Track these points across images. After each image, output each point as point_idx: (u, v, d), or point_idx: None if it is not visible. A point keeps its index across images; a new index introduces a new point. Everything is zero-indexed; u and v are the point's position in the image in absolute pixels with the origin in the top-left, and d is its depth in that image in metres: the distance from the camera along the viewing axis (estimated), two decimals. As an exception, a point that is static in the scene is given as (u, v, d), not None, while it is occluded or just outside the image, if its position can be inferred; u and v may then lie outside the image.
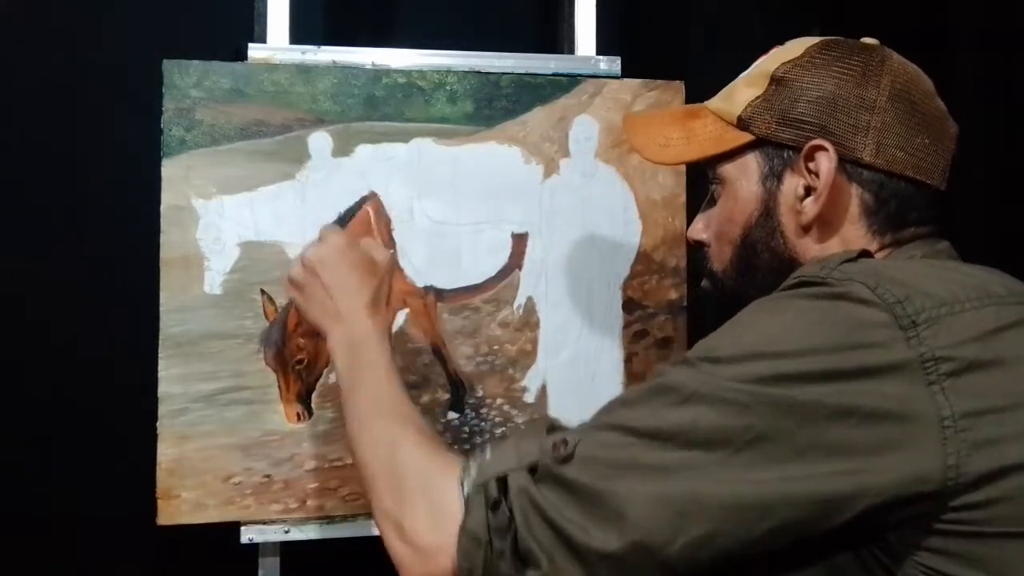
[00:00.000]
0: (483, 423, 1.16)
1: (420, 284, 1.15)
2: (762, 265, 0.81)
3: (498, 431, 1.16)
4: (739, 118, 0.81)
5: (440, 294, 1.15)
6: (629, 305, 1.19)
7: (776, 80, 0.80)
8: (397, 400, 0.81)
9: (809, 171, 0.78)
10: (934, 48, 1.45)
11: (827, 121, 0.77)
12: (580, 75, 1.18)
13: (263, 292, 1.10)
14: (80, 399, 1.20)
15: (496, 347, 1.16)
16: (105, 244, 1.20)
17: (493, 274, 1.16)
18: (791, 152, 0.79)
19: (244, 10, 1.18)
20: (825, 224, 0.78)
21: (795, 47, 0.82)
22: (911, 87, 0.79)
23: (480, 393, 1.16)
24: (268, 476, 1.10)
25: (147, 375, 1.07)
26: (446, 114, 1.15)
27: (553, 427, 0.75)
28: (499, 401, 1.16)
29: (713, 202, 0.86)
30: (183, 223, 1.08)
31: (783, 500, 0.61)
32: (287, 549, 1.14)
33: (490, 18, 1.35)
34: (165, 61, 1.08)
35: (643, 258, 1.20)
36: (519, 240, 1.17)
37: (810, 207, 0.78)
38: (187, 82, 1.08)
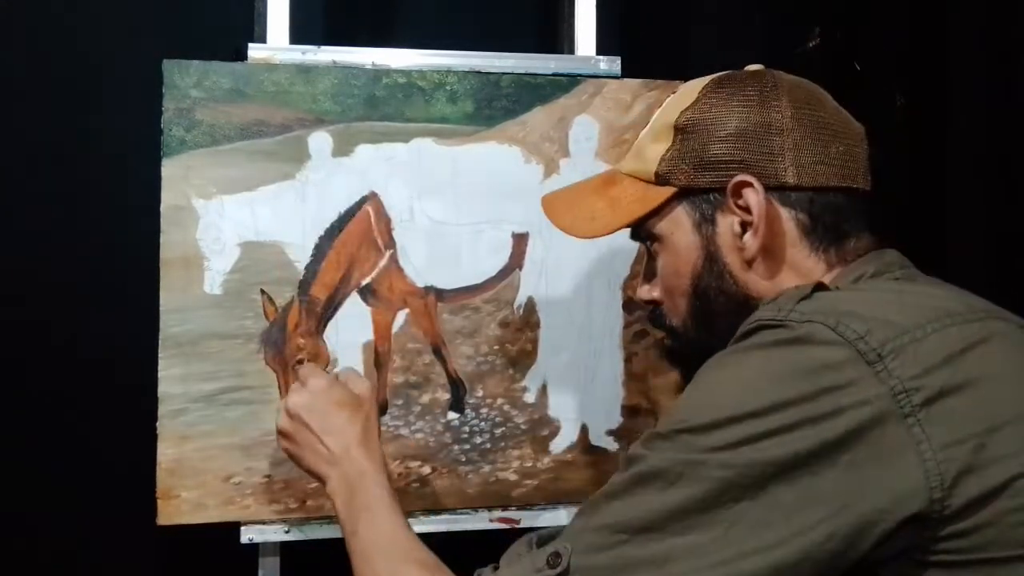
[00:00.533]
0: (483, 423, 1.16)
1: (420, 284, 1.15)
2: (719, 309, 0.81)
3: (498, 431, 1.16)
4: (656, 174, 0.82)
5: (440, 294, 1.15)
6: (629, 305, 1.19)
7: (680, 129, 0.81)
8: (399, 537, 0.83)
9: (740, 208, 0.78)
10: (934, 47, 1.45)
11: (742, 155, 0.78)
12: (580, 75, 1.18)
13: (263, 292, 1.10)
14: (80, 399, 1.20)
15: (496, 347, 1.16)
16: (105, 244, 1.20)
17: (493, 274, 1.16)
18: (716, 194, 0.79)
19: (244, 10, 1.18)
20: (769, 254, 0.78)
21: (688, 92, 0.83)
22: (810, 100, 0.80)
23: (480, 393, 1.16)
24: (268, 476, 1.10)
25: (147, 375, 1.07)
26: (446, 114, 1.15)
27: (540, 539, 0.76)
28: (499, 401, 1.16)
29: (653, 260, 0.86)
30: (183, 223, 1.08)
31: (789, 560, 0.61)
32: (287, 549, 1.14)
33: (490, 18, 1.35)
34: (165, 61, 1.08)
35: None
36: (519, 240, 1.17)
37: (751, 242, 0.78)
38: (187, 82, 1.08)
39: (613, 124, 1.18)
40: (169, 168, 1.08)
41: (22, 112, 1.19)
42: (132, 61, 1.18)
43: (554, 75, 1.18)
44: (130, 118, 1.17)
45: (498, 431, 1.16)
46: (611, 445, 1.18)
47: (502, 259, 1.16)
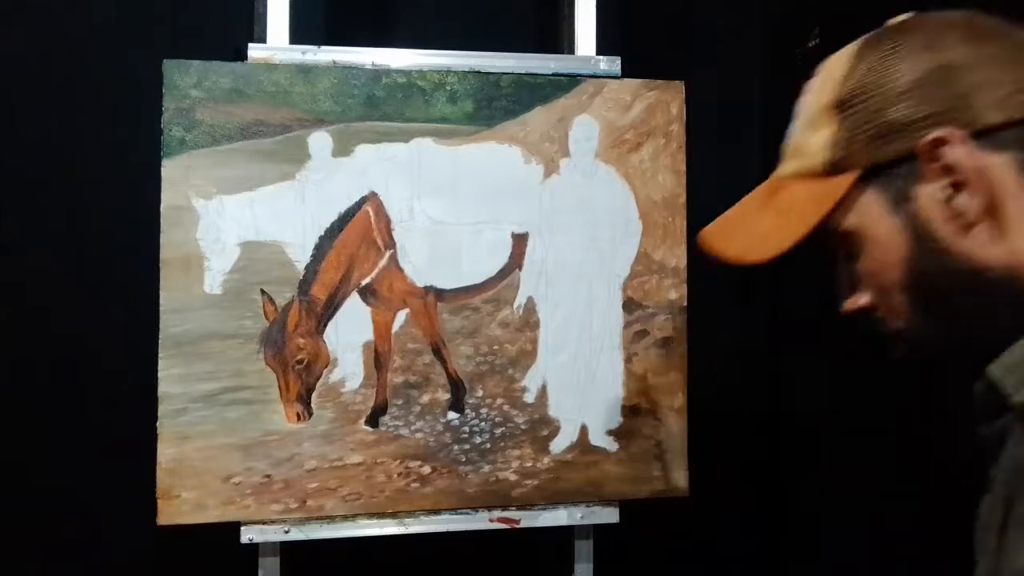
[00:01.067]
0: (483, 423, 1.16)
1: (420, 284, 1.15)
2: (950, 293, 0.69)
3: (498, 431, 1.16)
4: (828, 163, 0.72)
5: (440, 294, 1.15)
6: (629, 305, 1.19)
7: (843, 105, 0.72)
8: None
9: (942, 170, 0.67)
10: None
11: (929, 108, 0.68)
12: (580, 75, 1.18)
13: (263, 292, 1.10)
14: (80, 399, 1.20)
15: (496, 347, 1.16)
16: (105, 244, 1.20)
17: (493, 274, 1.16)
18: (906, 163, 0.69)
19: (244, 10, 1.18)
20: (992, 213, 0.67)
21: (836, 66, 0.74)
22: (975, 25, 0.70)
23: (480, 393, 1.16)
24: (268, 476, 1.10)
25: (147, 375, 1.07)
26: (446, 114, 1.15)
27: None
28: (499, 401, 1.16)
29: (850, 259, 0.76)
30: (183, 223, 1.08)
31: None
32: (287, 549, 1.14)
33: (490, 18, 1.35)
34: (165, 61, 1.08)
35: (643, 258, 1.20)
36: (519, 240, 1.17)
37: (969, 204, 0.67)
38: (187, 82, 1.08)
39: (613, 124, 1.18)
40: (169, 168, 1.08)
41: (22, 112, 1.19)
42: (132, 61, 1.18)
43: (554, 75, 1.18)
44: (130, 118, 1.17)
45: (498, 431, 1.16)
46: (611, 445, 1.18)
47: (502, 259, 1.16)
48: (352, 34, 1.28)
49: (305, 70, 1.11)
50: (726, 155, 1.37)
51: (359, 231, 1.13)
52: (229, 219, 1.09)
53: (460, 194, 1.15)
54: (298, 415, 1.10)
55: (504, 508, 1.16)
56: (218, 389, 1.08)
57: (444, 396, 1.15)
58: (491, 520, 1.16)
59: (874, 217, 0.71)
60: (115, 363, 1.19)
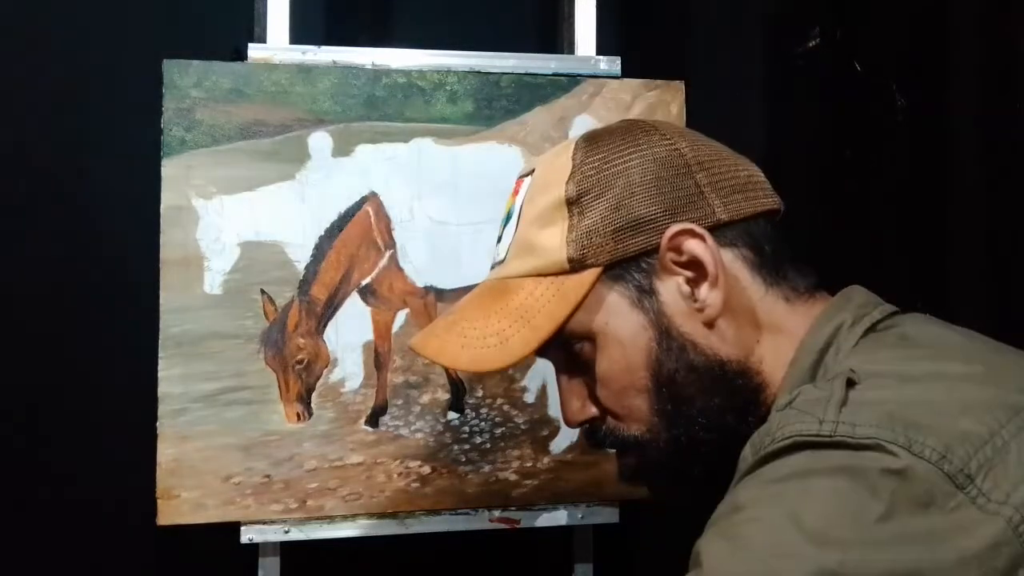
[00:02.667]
0: (483, 423, 1.16)
1: (420, 284, 1.15)
2: (693, 392, 0.68)
3: (498, 431, 1.16)
4: (568, 260, 0.69)
5: (440, 294, 1.15)
6: (629, 305, 1.19)
7: (574, 202, 0.69)
8: None
9: (681, 264, 0.67)
10: (934, 48, 1.45)
11: (665, 203, 0.67)
12: (580, 75, 1.18)
13: (263, 292, 1.10)
14: (80, 399, 1.20)
15: (496, 347, 1.16)
16: (105, 244, 1.20)
17: (493, 274, 1.16)
18: (647, 258, 0.68)
19: (244, 10, 1.18)
20: (730, 306, 0.68)
21: (557, 163, 0.71)
22: (691, 130, 0.74)
23: (480, 393, 1.16)
24: (268, 476, 1.10)
25: (147, 375, 1.07)
26: (446, 114, 1.15)
27: None
28: (499, 401, 1.16)
29: (579, 368, 0.73)
30: (183, 223, 1.08)
31: None
32: (287, 549, 1.14)
33: (490, 18, 1.35)
34: (165, 61, 1.08)
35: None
36: (519, 240, 1.16)
37: (710, 297, 0.67)
38: (187, 82, 1.08)
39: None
40: (169, 168, 1.08)
41: (22, 112, 1.19)
42: (132, 61, 1.18)
43: (554, 75, 1.18)
44: (130, 118, 1.17)
45: (498, 431, 1.16)
46: (611, 445, 1.18)
47: (502, 259, 1.16)
48: (352, 34, 1.28)
49: (305, 70, 1.11)
50: (726, 155, 1.36)
51: (359, 231, 1.13)
52: (229, 219, 1.09)
53: (460, 194, 1.15)
54: (298, 415, 1.10)
55: (504, 508, 1.16)
56: (218, 389, 1.08)
57: (444, 396, 1.15)
58: (491, 520, 1.16)
59: (617, 315, 0.69)
60: (115, 363, 1.19)
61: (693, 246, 0.67)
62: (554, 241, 0.70)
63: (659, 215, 0.68)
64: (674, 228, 0.67)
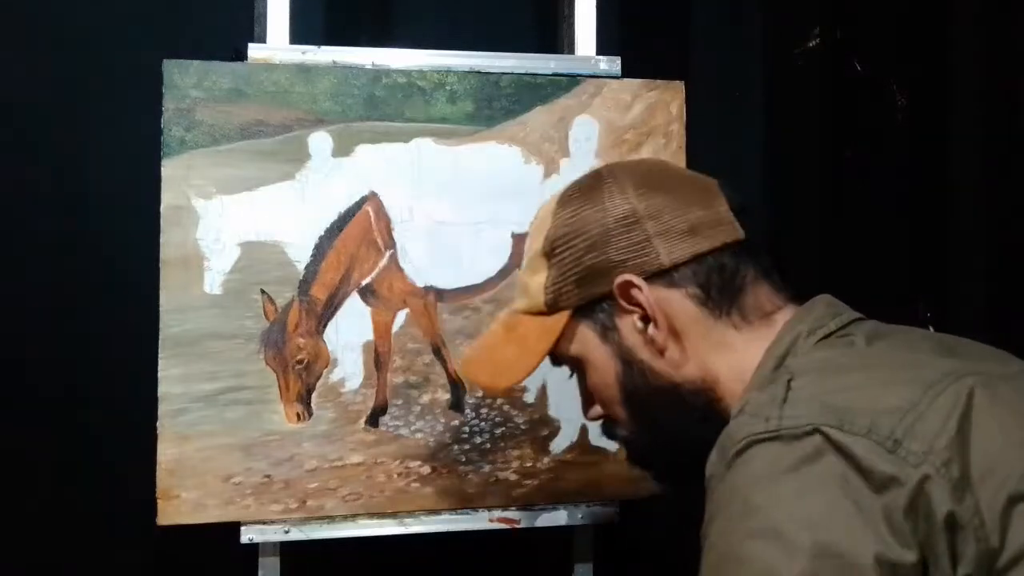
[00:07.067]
0: (483, 423, 1.16)
1: (420, 284, 1.15)
2: (657, 407, 0.81)
3: (498, 431, 1.16)
4: (546, 304, 0.83)
5: (440, 294, 1.15)
6: (629, 305, 1.19)
7: (548, 255, 0.82)
8: None
9: (633, 305, 0.79)
10: (934, 48, 1.45)
11: (613, 257, 0.79)
12: (580, 75, 1.18)
13: (263, 292, 1.10)
14: (80, 399, 1.20)
15: (496, 347, 1.16)
16: (105, 244, 1.20)
17: (493, 274, 1.16)
18: (607, 301, 0.80)
19: (244, 10, 1.18)
20: (678, 338, 0.79)
21: (544, 217, 0.84)
22: (652, 179, 0.81)
23: (480, 393, 1.16)
24: (268, 476, 1.10)
25: (147, 375, 1.07)
26: (446, 114, 1.15)
27: None
28: (499, 401, 1.16)
29: (583, 378, 0.87)
30: (183, 223, 1.08)
31: None
32: (287, 549, 1.14)
33: (490, 18, 1.35)
34: (165, 61, 1.08)
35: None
36: (519, 240, 1.16)
37: (656, 334, 0.79)
38: (187, 82, 1.08)
39: (613, 124, 1.18)
40: (169, 168, 1.08)
41: (22, 112, 1.19)
42: (132, 61, 1.18)
43: (554, 75, 1.18)
44: (130, 118, 1.17)
45: (498, 431, 1.16)
46: (611, 445, 1.18)
47: (502, 259, 1.16)
48: (352, 34, 1.28)
49: (305, 70, 1.11)
50: (726, 155, 1.37)
51: (359, 231, 1.13)
52: (229, 219, 1.09)
53: (460, 194, 1.15)
54: (298, 415, 1.10)
55: (504, 508, 1.16)
56: (218, 389, 1.08)
57: (444, 396, 1.15)
58: (491, 520, 1.16)
59: (590, 346, 0.83)
60: (115, 363, 1.19)
61: (635, 294, 0.79)
62: (538, 287, 0.84)
63: (609, 267, 0.79)
64: (619, 279, 0.79)
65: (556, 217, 0.82)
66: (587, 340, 0.83)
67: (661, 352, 0.79)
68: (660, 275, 0.78)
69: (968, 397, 0.66)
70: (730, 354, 0.79)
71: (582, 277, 0.81)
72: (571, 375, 0.91)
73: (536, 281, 0.84)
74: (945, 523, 0.61)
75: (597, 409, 0.87)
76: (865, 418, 0.64)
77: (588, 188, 0.83)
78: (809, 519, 0.62)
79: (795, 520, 0.62)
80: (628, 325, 0.80)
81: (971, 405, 0.65)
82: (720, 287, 0.79)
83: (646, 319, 0.79)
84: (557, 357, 0.86)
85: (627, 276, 0.78)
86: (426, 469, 1.14)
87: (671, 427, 0.81)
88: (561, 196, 0.84)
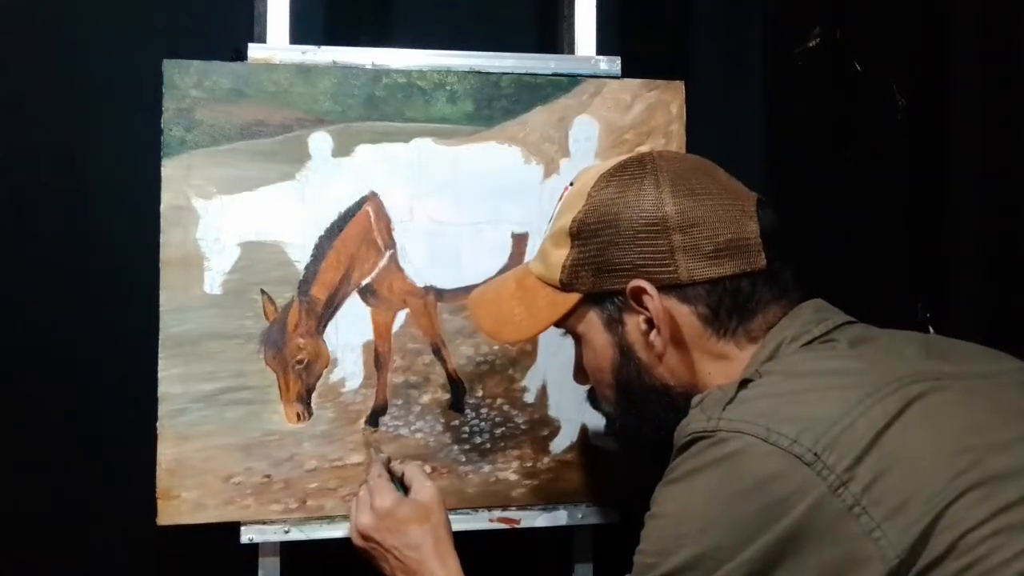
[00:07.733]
0: (483, 423, 1.16)
1: (420, 284, 1.15)
2: (644, 400, 0.85)
3: (498, 431, 1.16)
4: (560, 281, 0.85)
5: (440, 294, 1.15)
6: (629, 305, 1.19)
7: (574, 236, 0.84)
8: None
9: (642, 308, 0.81)
10: (934, 48, 1.45)
11: (635, 260, 0.80)
12: (580, 75, 1.18)
13: (263, 292, 1.10)
14: (80, 399, 1.20)
15: (496, 347, 1.16)
16: (105, 244, 1.20)
17: (493, 274, 1.16)
18: (619, 296, 0.83)
19: (244, 10, 1.18)
20: (678, 347, 0.82)
21: (579, 194, 0.85)
22: (694, 186, 0.81)
23: (480, 393, 1.16)
24: (268, 476, 1.10)
25: (147, 375, 1.07)
26: (446, 114, 1.15)
27: None
28: (499, 401, 1.16)
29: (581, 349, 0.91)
30: (183, 223, 1.08)
31: None
32: (287, 549, 1.14)
33: (490, 18, 1.35)
34: (165, 61, 1.08)
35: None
36: (519, 240, 1.17)
37: (657, 340, 0.81)
38: (187, 82, 1.08)
39: (613, 124, 1.18)
40: (169, 168, 1.08)
41: (22, 112, 1.19)
42: (132, 61, 1.18)
43: (554, 75, 1.18)
44: (130, 118, 1.17)
45: (498, 431, 1.16)
46: (611, 445, 1.18)
47: (502, 259, 1.16)
48: (352, 34, 1.27)
49: (305, 70, 1.11)
50: (726, 155, 1.36)
51: (359, 231, 1.13)
52: (229, 219, 1.09)
53: (460, 194, 1.15)
54: (298, 415, 1.11)
55: (504, 508, 1.16)
56: (218, 389, 1.08)
57: (444, 396, 1.15)
58: (491, 520, 1.16)
59: (594, 330, 0.86)
60: (115, 363, 1.19)
61: (646, 300, 0.81)
62: (557, 262, 0.85)
63: (629, 268, 0.81)
64: (634, 283, 0.80)
65: (590, 199, 0.83)
66: (592, 324, 0.85)
67: (659, 357, 0.82)
68: (674, 287, 0.80)
69: (905, 405, 0.67)
70: (726, 363, 0.81)
71: (600, 268, 0.82)
72: (571, 375, 0.93)
73: (557, 255, 0.85)
74: (841, 538, 0.63)
75: (585, 378, 0.91)
76: (794, 427, 0.66)
77: (628, 176, 0.83)
78: (701, 517, 0.68)
79: (689, 517, 0.69)
80: (634, 323, 0.83)
81: (901, 415, 0.67)
82: (730, 310, 0.80)
83: (651, 323, 0.81)
84: (560, 325, 0.89)
85: (642, 282, 0.80)
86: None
87: (656, 420, 0.84)
88: (601, 175, 0.84)
